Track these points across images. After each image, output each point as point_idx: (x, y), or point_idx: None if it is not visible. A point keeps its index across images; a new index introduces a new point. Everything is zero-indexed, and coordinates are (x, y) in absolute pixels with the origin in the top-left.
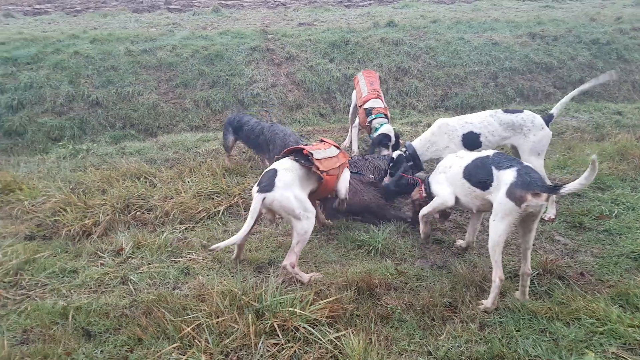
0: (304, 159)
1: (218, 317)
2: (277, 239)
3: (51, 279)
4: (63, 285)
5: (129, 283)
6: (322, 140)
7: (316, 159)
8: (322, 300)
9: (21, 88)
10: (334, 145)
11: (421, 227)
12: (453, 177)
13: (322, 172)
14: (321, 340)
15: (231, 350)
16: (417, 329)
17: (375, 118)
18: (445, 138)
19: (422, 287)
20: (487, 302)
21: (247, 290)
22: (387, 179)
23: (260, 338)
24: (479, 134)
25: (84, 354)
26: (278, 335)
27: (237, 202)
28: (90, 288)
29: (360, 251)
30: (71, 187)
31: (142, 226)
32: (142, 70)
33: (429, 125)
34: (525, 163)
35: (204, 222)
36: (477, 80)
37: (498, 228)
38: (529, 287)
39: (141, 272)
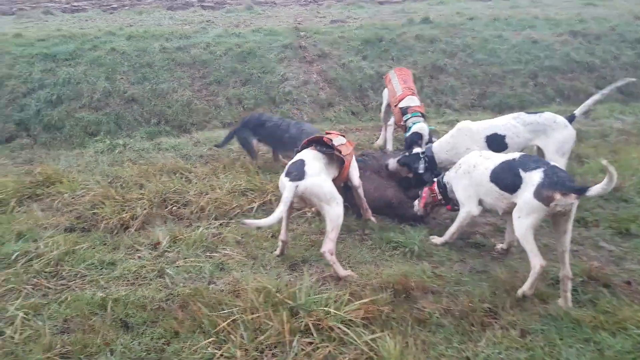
0: (325, 146)
1: (253, 314)
2: (310, 237)
3: (90, 270)
4: (102, 276)
5: (165, 276)
6: (327, 133)
7: (337, 145)
8: (357, 301)
9: (60, 83)
10: (340, 135)
11: (441, 240)
12: (479, 179)
13: (343, 156)
14: (356, 341)
15: (266, 347)
16: (456, 334)
17: (411, 117)
18: (466, 140)
19: (460, 291)
20: (525, 287)
21: (281, 287)
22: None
23: (295, 336)
24: (504, 136)
25: (122, 344)
26: (312, 335)
27: (270, 199)
28: (128, 280)
29: (395, 252)
30: (109, 180)
31: (178, 221)
32: (176, 67)
33: None
34: (552, 163)
35: (237, 218)
36: (516, 79)
37: (523, 223)
38: (573, 295)
39: (177, 266)
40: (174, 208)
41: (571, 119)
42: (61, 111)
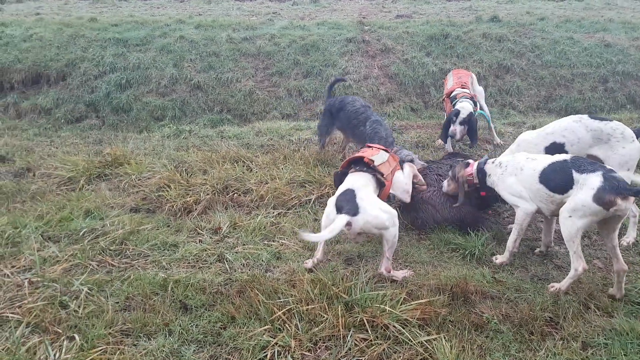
0: (366, 167)
1: (308, 305)
2: None
3: (153, 250)
4: (164, 257)
5: (224, 261)
6: (369, 146)
7: (377, 166)
8: (413, 300)
9: (129, 68)
10: (383, 149)
11: (506, 256)
12: (526, 181)
13: (384, 179)
14: (411, 341)
15: (320, 340)
16: (514, 342)
17: (459, 102)
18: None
19: (521, 298)
20: (563, 286)
21: (337, 281)
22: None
23: (349, 331)
24: (563, 144)
25: (180, 326)
26: (367, 331)
27: (328, 192)
28: (189, 263)
29: (454, 254)
30: (175, 165)
31: (239, 208)
32: (241, 57)
33: (533, 127)
34: (608, 166)
35: (295, 209)
36: (585, 83)
37: (575, 224)
38: None
39: (236, 252)
40: (234, 195)
41: (639, 132)
42: (129, 95)
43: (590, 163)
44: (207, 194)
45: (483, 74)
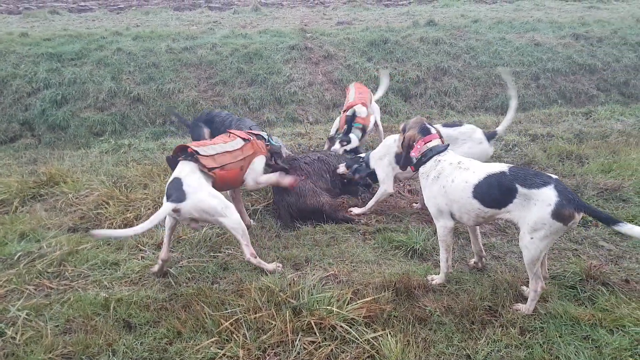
0: (190, 156)
1: (256, 313)
2: (314, 237)
3: (93, 270)
4: (105, 277)
5: (168, 276)
6: (229, 132)
7: (202, 156)
8: (359, 299)
9: (65, 83)
10: (241, 137)
11: (442, 277)
12: (456, 193)
13: (210, 169)
14: (358, 339)
15: (268, 347)
16: (456, 332)
17: (353, 130)
18: (387, 151)
19: (461, 289)
20: (528, 309)
21: (284, 287)
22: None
23: (298, 335)
24: None
25: (124, 345)
26: (315, 334)
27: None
28: (132, 280)
29: (398, 252)
30: (113, 181)
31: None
32: (182, 67)
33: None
34: (555, 176)
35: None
36: (519, 81)
37: (539, 246)
38: (572, 293)
39: (181, 266)
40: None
41: (491, 136)
42: (66, 111)
43: (536, 174)
44: (149, 209)
45: (422, 77)
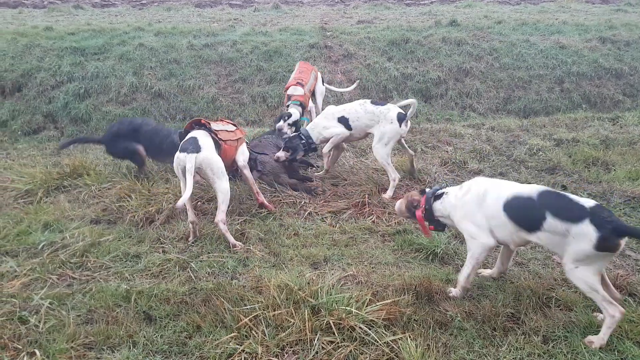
0: (203, 127)
1: (275, 310)
2: (333, 236)
3: (115, 262)
4: (126, 269)
5: (189, 270)
6: (220, 120)
7: (214, 130)
8: (378, 301)
9: (88, 77)
10: (231, 124)
11: (458, 291)
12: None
13: (220, 139)
14: (377, 342)
15: (287, 345)
16: (477, 338)
17: (291, 106)
18: (325, 121)
19: (483, 295)
20: (599, 339)
21: (303, 285)
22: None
23: (316, 334)
24: (348, 119)
25: (144, 337)
26: (334, 333)
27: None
28: (152, 273)
29: (418, 255)
30: (135, 174)
31: (203, 216)
32: (203, 64)
33: (492, 129)
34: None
35: (260, 215)
36: (542, 84)
37: (588, 275)
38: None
39: (201, 261)
40: (198, 203)
41: (402, 117)
42: (88, 104)
43: (568, 201)
44: (170, 203)
45: (443, 78)
